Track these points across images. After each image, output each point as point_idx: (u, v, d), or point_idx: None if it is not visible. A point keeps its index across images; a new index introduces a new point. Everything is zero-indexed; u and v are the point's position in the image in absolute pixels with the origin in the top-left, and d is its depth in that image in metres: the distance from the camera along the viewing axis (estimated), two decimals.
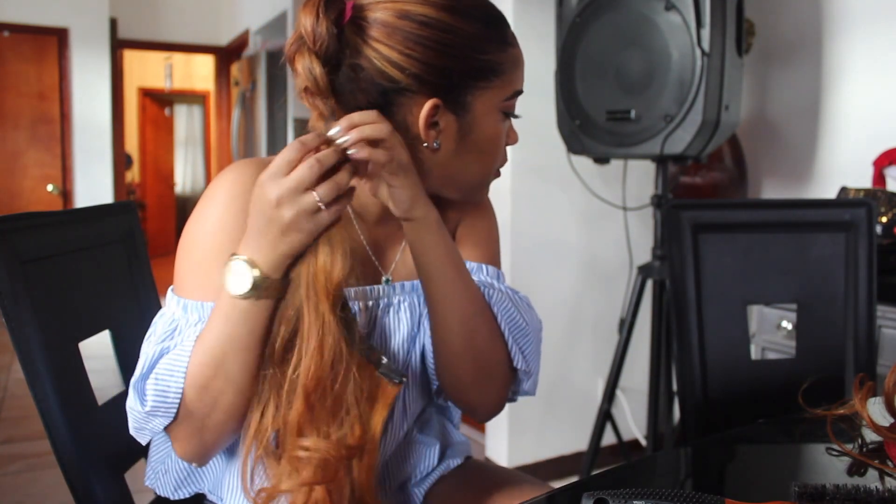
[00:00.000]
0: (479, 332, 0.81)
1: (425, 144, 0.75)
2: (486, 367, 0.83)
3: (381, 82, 0.72)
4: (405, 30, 0.71)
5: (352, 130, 0.68)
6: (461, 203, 0.91)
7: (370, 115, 0.70)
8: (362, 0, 0.73)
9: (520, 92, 0.81)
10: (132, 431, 0.76)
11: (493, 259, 0.94)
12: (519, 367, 0.85)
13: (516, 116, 0.81)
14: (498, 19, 0.77)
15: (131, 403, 0.74)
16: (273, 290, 0.67)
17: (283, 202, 0.64)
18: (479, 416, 0.91)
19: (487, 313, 0.83)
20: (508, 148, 0.85)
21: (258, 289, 0.67)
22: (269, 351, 0.69)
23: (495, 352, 0.83)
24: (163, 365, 0.72)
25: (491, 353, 0.83)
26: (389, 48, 0.71)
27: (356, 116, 0.69)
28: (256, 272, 0.66)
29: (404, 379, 0.70)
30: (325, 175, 0.65)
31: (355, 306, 0.81)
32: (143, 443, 0.77)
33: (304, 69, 0.70)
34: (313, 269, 0.66)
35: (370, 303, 0.83)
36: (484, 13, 0.76)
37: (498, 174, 0.85)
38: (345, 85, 0.73)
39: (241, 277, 0.67)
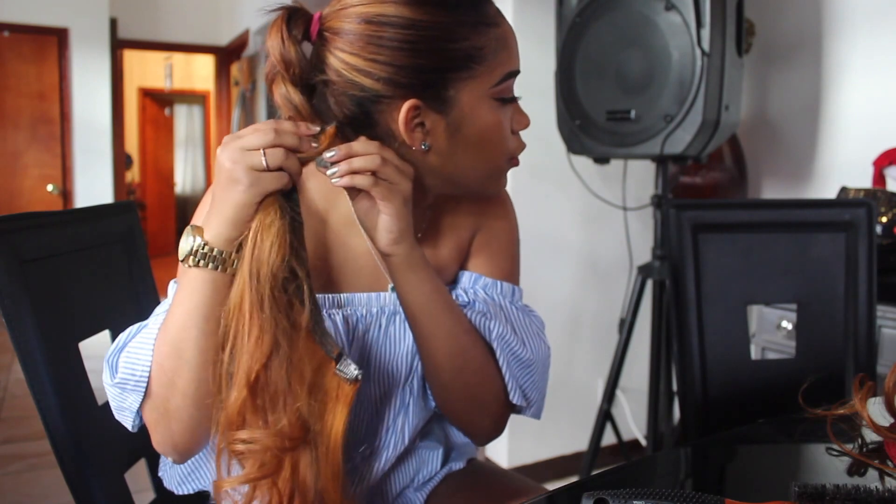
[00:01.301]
0: (468, 368, 0.79)
1: (413, 148, 0.72)
2: (478, 399, 0.82)
3: (353, 93, 0.70)
4: (366, 34, 0.68)
5: (342, 162, 0.67)
6: (482, 207, 0.88)
7: (371, 146, 0.68)
8: (327, 11, 0.71)
9: (513, 73, 0.74)
10: (115, 413, 0.75)
11: (511, 273, 0.90)
12: (517, 402, 0.83)
13: (514, 99, 0.76)
14: (471, 0, 0.71)
15: (104, 378, 0.73)
16: (212, 259, 0.65)
17: (229, 154, 0.64)
18: (475, 441, 0.90)
19: (479, 348, 0.80)
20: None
21: (196, 255, 0.65)
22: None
23: (488, 385, 0.81)
24: (136, 340, 0.72)
25: (483, 386, 0.81)
26: (355, 56, 0.68)
27: (356, 146, 0.68)
28: (198, 238, 0.66)
29: (359, 376, 0.67)
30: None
31: (357, 312, 0.80)
32: (129, 426, 0.75)
33: (282, 98, 0.68)
34: (257, 251, 0.63)
35: (375, 310, 0.81)
36: None
37: (515, 162, 0.80)
38: (320, 102, 0.72)
39: (185, 242, 0.66)
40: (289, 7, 0.69)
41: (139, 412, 0.73)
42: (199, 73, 8.07)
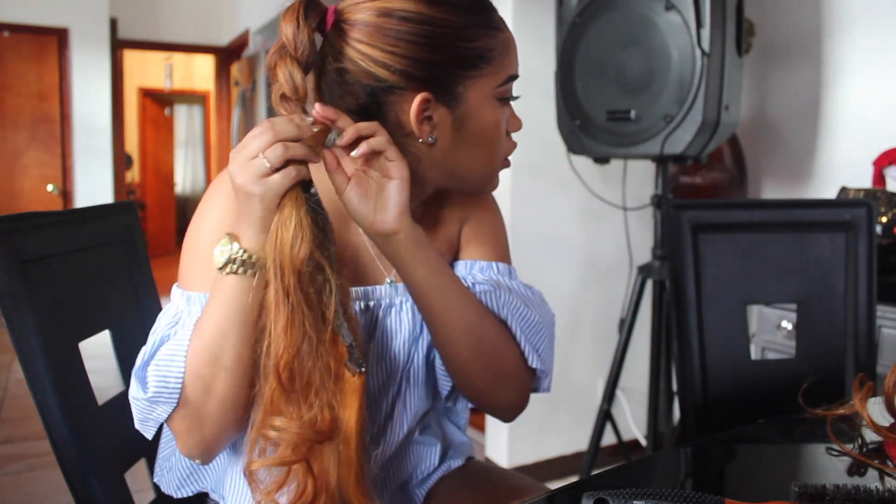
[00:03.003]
0: (485, 338, 0.80)
1: (420, 140, 0.75)
2: (500, 370, 0.82)
3: (368, 83, 0.72)
4: (386, 27, 0.71)
5: (362, 144, 0.69)
6: (466, 200, 0.90)
7: (372, 125, 0.71)
8: (343, 3, 0.74)
9: (514, 76, 0.79)
10: (137, 424, 0.75)
11: (503, 255, 0.92)
12: (535, 366, 0.84)
13: (514, 98, 0.80)
14: (482, 5, 0.76)
15: (133, 392, 0.74)
16: (250, 266, 0.67)
17: (236, 170, 0.65)
18: (503, 418, 0.90)
19: (490, 317, 0.81)
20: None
21: (234, 262, 0.67)
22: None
23: (507, 354, 0.82)
24: (163, 352, 0.72)
25: (502, 356, 0.82)
26: (373, 48, 0.71)
27: (362, 127, 0.70)
28: (234, 245, 0.67)
29: (363, 369, 0.68)
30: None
31: (356, 306, 0.81)
32: (149, 436, 0.76)
33: (285, 76, 0.69)
34: (279, 243, 0.64)
35: (372, 303, 0.82)
36: (466, 0, 0.75)
37: (507, 163, 0.84)
38: (332, 89, 0.74)
39: (221, 250, 0.68)
40: None
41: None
42: (199, 73, 8.07)
